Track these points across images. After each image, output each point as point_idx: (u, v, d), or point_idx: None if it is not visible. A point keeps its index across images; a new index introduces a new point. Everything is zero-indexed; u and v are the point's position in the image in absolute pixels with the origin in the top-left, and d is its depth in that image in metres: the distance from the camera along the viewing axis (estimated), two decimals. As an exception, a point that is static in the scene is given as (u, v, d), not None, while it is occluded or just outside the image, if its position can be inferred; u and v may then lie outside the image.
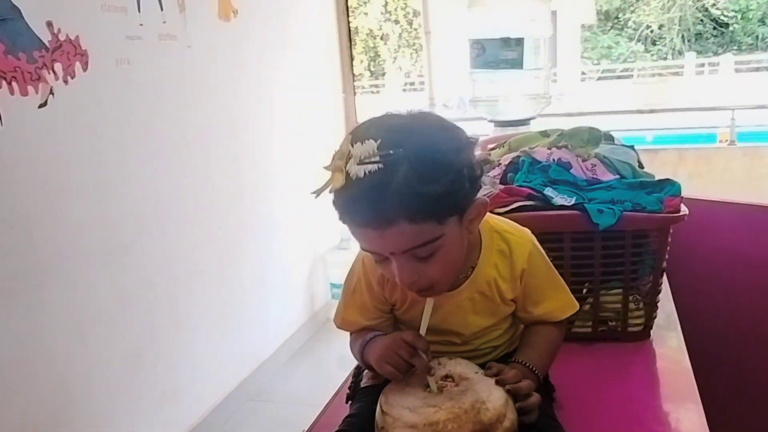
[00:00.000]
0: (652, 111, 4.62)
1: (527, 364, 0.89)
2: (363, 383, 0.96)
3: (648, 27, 16.62)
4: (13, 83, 1.60)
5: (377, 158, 0.72)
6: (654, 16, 16.55)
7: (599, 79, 15.22)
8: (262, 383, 2.81)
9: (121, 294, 2.01)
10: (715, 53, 15.69)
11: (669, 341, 1.23)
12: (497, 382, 0.80)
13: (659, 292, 1.20)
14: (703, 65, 14.63)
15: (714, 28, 16.60)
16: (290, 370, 2.98)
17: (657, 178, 1.22)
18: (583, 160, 1.23)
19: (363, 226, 0.76)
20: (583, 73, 15.27)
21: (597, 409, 1.02)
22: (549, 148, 1.26)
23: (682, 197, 1.15)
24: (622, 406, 1.03)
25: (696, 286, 1.81)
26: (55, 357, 1.78)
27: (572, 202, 1.12)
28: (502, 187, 1.16)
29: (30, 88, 1.65)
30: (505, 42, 2.01)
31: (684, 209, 1.13)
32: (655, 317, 1.22)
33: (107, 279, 1.96)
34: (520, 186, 1.16)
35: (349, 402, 0.96)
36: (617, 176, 1.21)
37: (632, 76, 14.55)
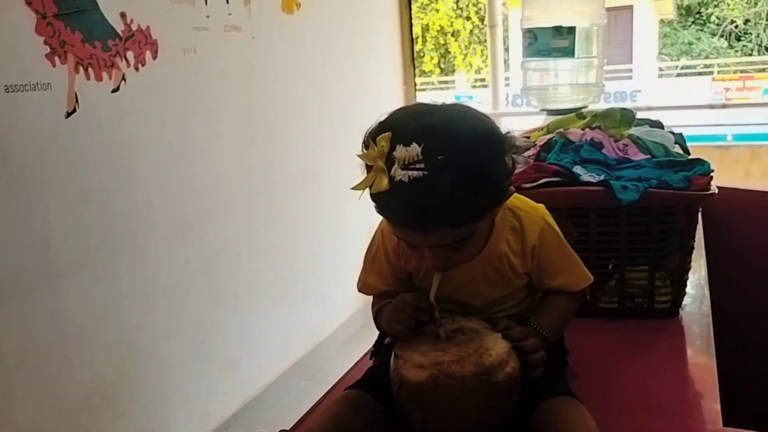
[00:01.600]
0: (724, 106, 4.45)
1: (537, 327, 0.94)
2: (386, 341, 1.03)
3: (732, 22, 15.91)
4: (90, 69, 1.75)
5: (422, 165, 0.74)
6: (739, 10, 15.83)
7: (678, 75, 14.70)
8: (319, 363, 2.91)
9: (185, 269, 2.15)
10: (806, 49, 14.89)
11: (697, 322, 1.23)
12: (504, 337, 0.86)
13: (687, 270, 1.22)
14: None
15: (805, 23, 15.75)
16: (347, 353, 3.07)
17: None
18: (615, 141, 1.25)
19: (405, 227, 0.82)
20: (660, 70, 14.80)
21: (612, 382, 1.05)
22: (583, 129, 1.29)
23: (711, 176, 1.16)
24: (638, 382, 1.05)
25: (744, 274, 1.79)
26: (124, 325, 1.93)
27: (599, 179, 1.15)
28: (530, 162, 1.20)
29: (104, 74, 1.80)
30: (557, 30, 2.03)
31: (713, 188, 1.15)
32: (684, 295, 1.24)
33: (172, 254, 2.09)
34: (550, 164, 1.20)
35: (373, 357, 1.04)
36: (648, 156, 1.23)
37: (713, 72, 13.99)
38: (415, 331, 0.89)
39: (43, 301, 1.67)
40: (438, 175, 0.75)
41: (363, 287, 1.04)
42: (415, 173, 0.74)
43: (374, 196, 0.80)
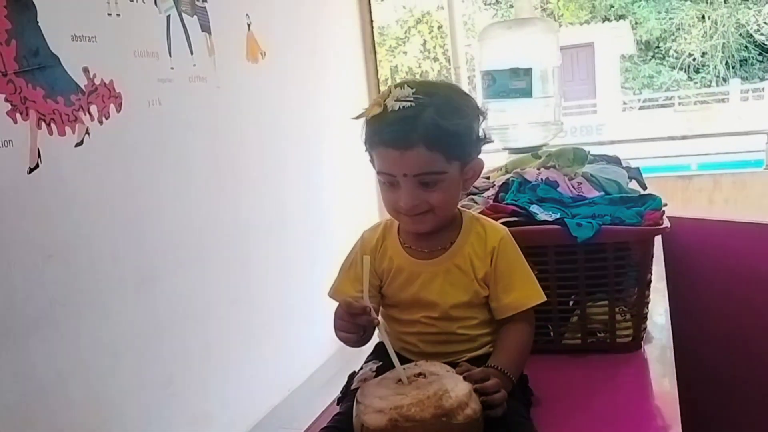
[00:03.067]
0: (684, 137, 4.58)
1: (498, 367, 0.96)
2: (353, 386, 1.03)
3: (690, 55, 16.45)
4: (52, 124, 1.75)
5: (411, 99, 0.94)
6: (696, 44, 16.38)
7: (641, 108, 15.08)
8: (295, 410, 2.86)
9: (154, 322, 2.13)
10: (762, 79, 15.40)
11: (660, 353, 1.25)
12: (465, 379, 0.86)
13: (647, 303, 1.24)
14: (747, 91, 14.38)
15: (759, 54, 16.33)
16: (322, 399, 3.02)
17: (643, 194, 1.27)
18: (570, 179, 1.28)
19: (388, 146, 0.95)
20: (624, 103, 15.17)
21: (578, 419, 1.05)
22: (538, 169, 1.33)
23: (663, 211, 1.19)
24: (604, 417, 1.06)
25: (708, 303, 1.83)
26: (90, 382, 1.89)
27: (555, 217, 1.18)
28: (489, 203, 1.23)
29: (67, 129, 1.80)
30: (514, 72, 2.09)
31: (666, 222, 1.18)
32: (645, 329, 1.26)
33: (140, 307, 2.07)
34: (507, 204, 1.23)
35: (339, 403, 1.03)
36: (602, 193, 1.26)
37: (674, 104, 14.39)
38: (362, 336, 0.95)
39: (5, 361, 1.64)
40: (422, 107, 0.94)
41: (335, 293, 1.07)
42: (404, 104, 0.93)
43: (368, 122, 0.98)
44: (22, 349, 1.68)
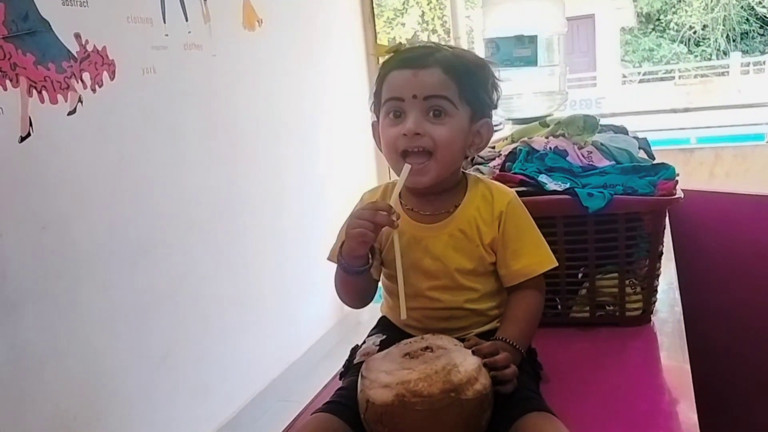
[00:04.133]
0: (686, 110, 4.53)
1: (506, 340, 0.93)
2: (356, 360, 1.00)
3: (691, 28, 16.28)
4: (43, 92, 1.70)
5: (430, 43, 0.98)
6: (696, 16, 16.21)
7: (641, 81, 14.97)
8: (293, 384, 2.86)
9: (151, 293, 2.09)
10: (762, 52, 15.27)
11: (670, 327, 1.23)
12: (474, 353, 0.83)
13: (657, 276, 1.21)
14: (748, 65, 14.27)
15: (761, 27, 16.17)
16: (321, 372, 3.01)
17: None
18: (580, 148, 1.25)
19: (402, 67, 0.93)
20: (624, 76, 15.05)
21: (587, 393, 1.03)
22: (546, 137, 1.29)
23: (676, 181, 1.16)
24: (614, 391, 1.03)
25: (713, 277, 1.80)
26: (88, 354, 1.87)
27: (565, 187, 1.14)
28: (496, 173, 1.19)
29: (59, 97, 1.75)
30: (519, 40, 2.03)
31: (679, 192, 1.14)
32: (655, 302, 1.23)
33: (137, 279, 2.04)
34: (515, 173, 1.19)
35: (342, 378, 1.00)
36: (613, 162, 1.22)
37: (674, 77, 14.29)
38: (374, 233, 0.91)
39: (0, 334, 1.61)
40: (440, 47, 0.97)
41: (333, 256, 1.01)
42: (422, 44, 0.98)
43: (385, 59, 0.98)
44: (16, 322, 1.65)
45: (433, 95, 0.92)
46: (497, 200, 0.99)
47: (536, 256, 0.99)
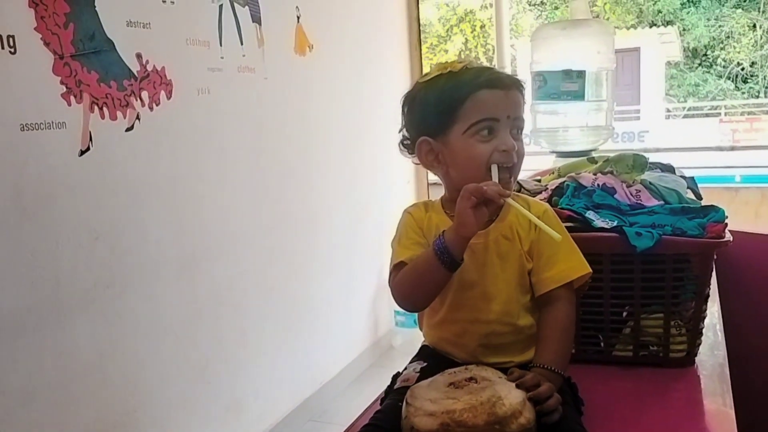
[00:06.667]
0: (732, 148, 4.45)
1: (545, 366, 0.94)
2: (396, 386, 1.02)
3: (739, 64, 16.05)
4: (104, 108, 1.77)
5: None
6: (745, 53, 15.98)
7: (685, 117, 14.77)
8: (326, 403, 2.88)
9: (193, 306, 2.14)
10: (812, 92, 14.97)
11: (714, 370, 1.21)
12: (517, 386, 0.84)
13: (703, 318, 1.20)
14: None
15: (812, 66, 15.87)
16: (352, 394, 3.03)
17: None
18: (628, 186, 1.25)
19: (492, 87, 0.97)
20: (668, 111, 14.88)
21: (629, 431, 1.02)
22: (595, 174, 1.29)
23: (726, 224, 1.15)
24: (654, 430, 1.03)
25: (759, 320, 1.77)
26: (130, 363, 1.91)
27: (612, 225, 1.15)
28: (543, 208, 1.19)
29: (119, 113, 1.82)
30: (567, 74, 2.05)
31: (728, 236, 1.14)
32: (699, 344, 1.21)
33: (180, 291, 2.09)
34: (562, 209, 1.20)
35: (383, 403, 1.02)
36: (661, 202, 1.22)
37: (719, 114, 14.06)
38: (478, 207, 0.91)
39: (50, 339, 1.66)
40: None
41: (399, 257, 1.02)
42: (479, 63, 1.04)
43: (463, 80, 0.98)
44: (66, 329, 1.70)
45: (518, 116, 0.99)
46: (534, 209, 1.02)
47: (570, 262, 1.01)
